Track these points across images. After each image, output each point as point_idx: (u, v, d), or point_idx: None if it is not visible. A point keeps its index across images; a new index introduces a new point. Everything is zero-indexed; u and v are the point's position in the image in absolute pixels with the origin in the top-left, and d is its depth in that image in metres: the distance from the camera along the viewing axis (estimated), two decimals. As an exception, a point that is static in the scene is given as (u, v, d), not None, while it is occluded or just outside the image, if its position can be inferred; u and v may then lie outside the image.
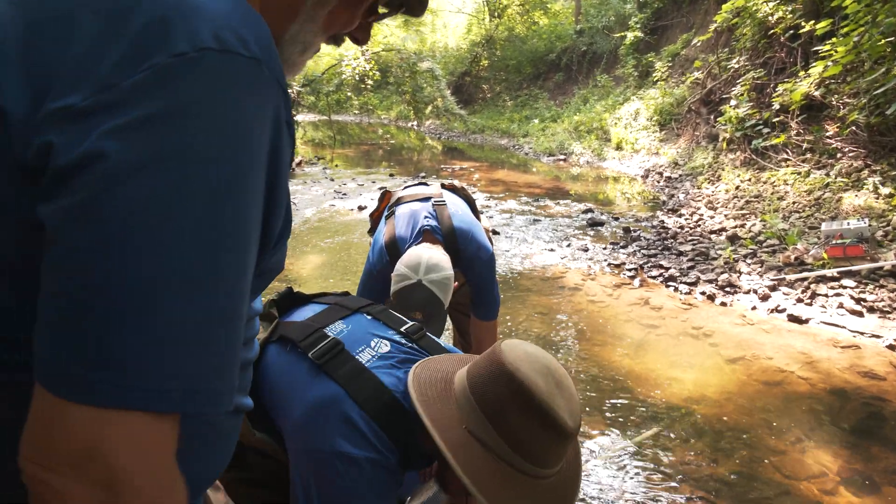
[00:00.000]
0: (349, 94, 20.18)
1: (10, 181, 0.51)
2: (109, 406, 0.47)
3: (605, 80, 16.38)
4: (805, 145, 7.09)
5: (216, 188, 0.51)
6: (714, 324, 4.13)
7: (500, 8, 24.57)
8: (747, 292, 4.59)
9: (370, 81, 17.21)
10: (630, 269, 5.27)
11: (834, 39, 6.23)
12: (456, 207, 2.33)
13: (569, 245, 6.14)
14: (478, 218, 2.51)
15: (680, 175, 9.56)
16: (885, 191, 5.52)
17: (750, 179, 7.51)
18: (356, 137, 20.51)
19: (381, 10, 0.80)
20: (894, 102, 5.58)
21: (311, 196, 8.70)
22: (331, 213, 7.66)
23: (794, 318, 4.13)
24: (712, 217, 6.82)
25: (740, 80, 8.80)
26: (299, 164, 11.74)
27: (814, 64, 6.77)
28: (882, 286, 4.23)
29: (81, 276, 0.47)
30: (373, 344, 1.26)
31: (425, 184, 2.54)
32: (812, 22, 7.05)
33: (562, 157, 13.66)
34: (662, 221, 7.01)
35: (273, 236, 0.63)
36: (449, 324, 3.04)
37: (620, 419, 2.93)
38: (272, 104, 0.56)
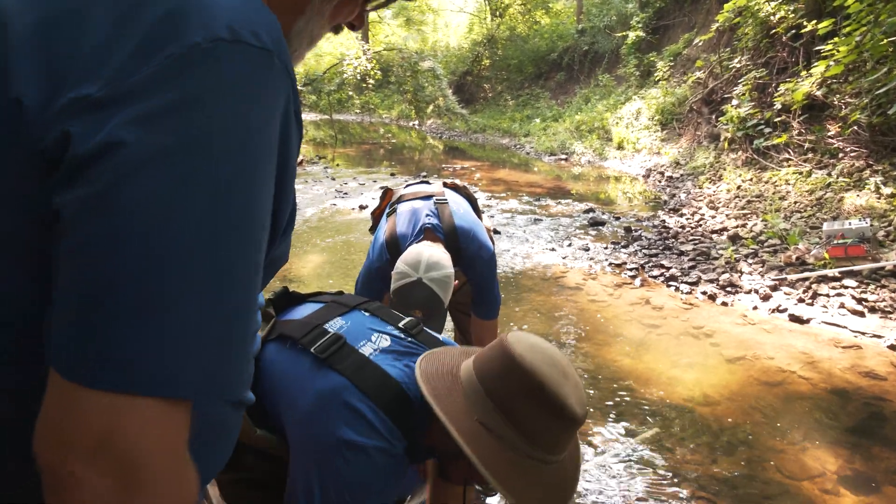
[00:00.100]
0: (350, 93, 20.21)
1: (27, 172, 0.52)
2: (124, 392, 0.48)
3: (607, 79, 16.37)
4: (807, 145, 7.09)
5: (231, 178, 0.52)
6: (715, 323, 4.13)
7: (502, 7, 24.56)
8: (748, 292, 4.59)
9: (371, 81, 17.24)
10: (631, 269, 5.27)
11: (836, 39, 6.22)
12: (458, 206, 2.33)
13: (570, 244, 6.14)
14: (479, 217, 2.51)
15: (681, 175, 9.56)
16: (886, 191, 5.52)
17: (751, 179, 7.51)
18: (357, 137, 20.51)
19: None
20: (896, 102, 5.57)
21: (313, 195, 8.71)
22: (332, 212, 7.66)
23: (795, 318, 4.12)
24: (714, 217, 6.81)
25: (742, 79, 8.80)
26: (300, 163, 11.74)
27: (816, 63, 6.76)
28: (883, 286, 4.23)
29: (98, 264, 0.48)
30: (373, 338, 1.27)
31: (427, 182, 2.54)
32: (814, 21, 7.05)
33: (563, 156, 13.66)
34: (664, 221, 7.01)
35: (281, 226, 0.64)
36: (449, 323, 3.04)
37: (621, 418, 2.93)
38: (283, 95, 0.58)
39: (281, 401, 1.19)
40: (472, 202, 2.53)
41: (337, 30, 0.82)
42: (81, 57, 0.51)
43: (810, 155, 7.00)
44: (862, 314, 4.00)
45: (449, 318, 2.92)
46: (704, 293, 4.65)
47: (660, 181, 9.77)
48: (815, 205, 6.03)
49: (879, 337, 3.77)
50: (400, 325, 1.35)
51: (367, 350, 1.23)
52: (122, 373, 0.48)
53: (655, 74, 13.34)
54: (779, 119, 7.64)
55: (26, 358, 0.55)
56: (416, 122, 22.30)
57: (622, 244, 6.08)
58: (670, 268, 5.21)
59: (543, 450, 1.07)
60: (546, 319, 4.20)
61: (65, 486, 0.48)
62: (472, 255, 2.23)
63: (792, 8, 7.99)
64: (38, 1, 0.55)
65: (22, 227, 0.53)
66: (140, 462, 0.48)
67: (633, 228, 6.71)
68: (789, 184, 6.73)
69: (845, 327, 3.94)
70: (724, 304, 4.47)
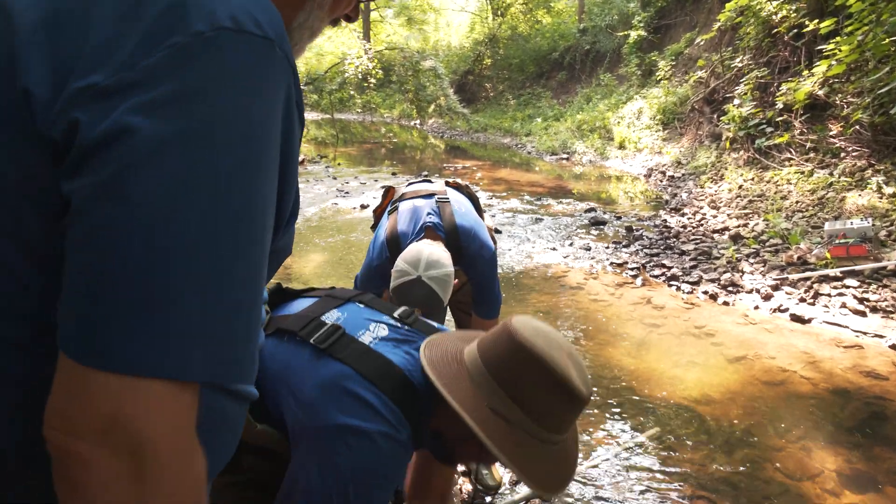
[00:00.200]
0: (352, 92, 20.22)
1: (37, 162, 0.53)
2: (133, 373, 0.49)
3: (609, 78, 16.36)
4: (808, 145, 7.08)
5: (236, 165, 0.53)
6: (716, 323, 4.13)
7: (504, 6, 24.55)
8: (750, 292, 4.59)
9: (373, 80, 17.23)
10: (632, 269, 5.26)
11: (838, 38, 6.22)
12: (459, 205, 2.32)
13: (571, 244, 6.14)
14: (481, 216, 2.51)
15: (683, 174, 9.55)
16: (888, 190, 5.51)
17: (753, 179, 7.50)
18: (359, 136, 20.51)
19: None
20: (898, 102, 5.57)
21: (314, 194, 8.71)
22: (333, 211, 7.67)
23: (796, 318, 4.12)
24: (715, 216, 6.81)
25: (744, 79, 8.79)
26: (302, 162, 11.75)
27: (817, 63, 6.75)
28: (885, 286, 4.22)
29: (106, 250, 0.49)
30: (371, 328, 1.27)
31: (429, 181, 2.54)
32: (816, 21, 7.03)
33: (564, 156, 13.65)
34: (665, 221, 7.00)
35: (285, 215, 0.66)
36: (451, 321, 3.05)
37: (622, 418, 2.93)
38: (284, 83, 0.59)
39: (281, 392, 1.19)
40: (474, 201, 2.53)
41: (335, 23, 0.84)
42: (88, 48, 0.52)
43: (812, 154, 6.99)
44: (863, 314, 4.00)
45: (450, 315, 2.92)
46: (706, 293, 4.64)
47: (661, 181, 9.76)
48: (817, 204, 6.02)
49: (881, 337, 3.77)
50: (395, 314, 1.36)
51: (366, 339, 1.24)
52: (131, 355, 0.49)
53: (657, 74, 13.33)
54: (780, 118, 7.63)
55: (37, 348, 0.56)
56: (418, 122, 22.29)
57: (623, 244, 6.07)
58: (672, 267, 5.20)
59: (551, 430, 1.11)
60: (547, 319, 4.19)
61: (75, 467, 0.49)
62: (472, 254, 2.23)
63: (794, 7, 7.98)
64: None
65: (32, 218, 0.54)
66: (148, 443, 0.49)
67: (634, 228, 6.70)
68: (791, 183, 6.73)
69: (847, 327, 3.93)
70: (726, 303, 4.47)
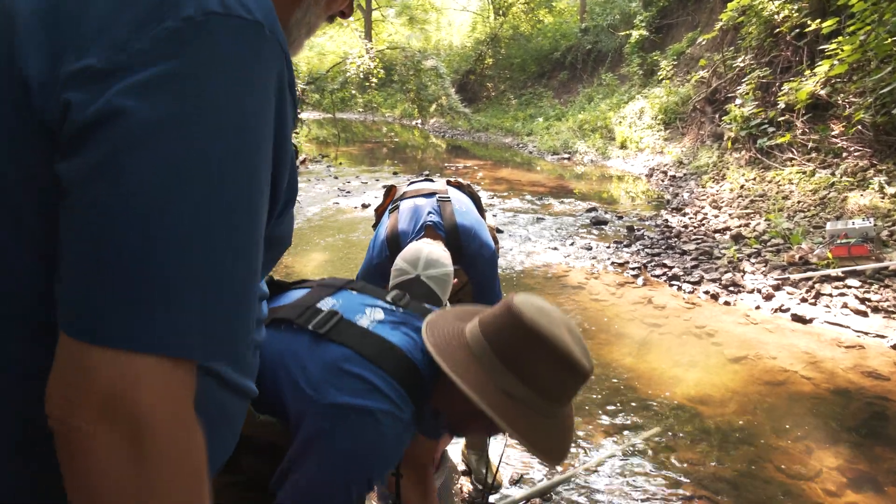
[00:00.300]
0: (353, 92, 20.19)
1: (32, 144, 0.54)
2: (130, 349, 0.50)
3: (610, 78, 16.35)
4: (810, 144, 7.07)
5: (229, 145, 0.54)
6: (717, 323, 4.12)
7: (505, 6, 24.53)
8: (751, 292, 4.58)
9: (374, 79, 17.20)
10: (633, 268, 5.26)
11: (840, 38, 6.21)
12: (460, 204, 2.32)
13: (572, 244, 6.13)
14: (483, 216, 2.51)
15: (684, 174, 9.54)
16: (890, 190, 5.50)
17: (755, 178, 7.49)
18: (360, 135, 20.52)
19: None
20: (900, 102, 5.56)
21: (315, 194, 8.71)
22: (334, 210, 7.67)
23: (797, 318, 4.11)
24: (716, 216, 6.80)
25: (746, 78, 8.78)
26: (303, 161, 11.75)
27: (819, 63, 6.74)
28: (887, 286, 4.22)
29: (101, 227, 0.50)
30: (367, 312, 1.28)
31: (431, 180, 2.54)
32: (818, 20, 7.02)
33: (566, 155, 13.64)
34: (666, 220, 7.00)
35: (279, 199, 0.66)
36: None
37: (623, 418, 2.93)
38: (276, 66, 0.60)
39: (282, 379, 1.18)
40: (476, 200, 2.53)
41: (331, 19, 0.85)
42: (82, 32, 0.54)
43: (814, 154, 6.99)
44: (865, 314, 4.00)
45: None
46: (707, 292, 4.64)
47: (663, 180, 9.75)
48: (819, 204, 6.01)
49: (882, 337, 3.76)
50: (387, 298, 1.37)
51: (363, 322, 1.25)
52: (127, 331, 0.50)
53: (659, 73, 13.31)
54: (782, 118, 7.62)
55: (36, 332, 0.56)
56: (419, 121, 22.29)
57: (625, 243, 6.07)
58: (673, 267, 5.20)
59: (554, 403, 1.17)
60: (548, 318, 4.19)
61: (76, 442, 0.50)
62: (473, 253, 2.23)
63: (796, 7, 7.96)
64: None
65: (28, 200, 0.55)
66: (146, 418, 0.50)
67: (635, 228, 6.70)
68: (793, 183, 6.72)
69: (848, 327, 3.93)
70: (727, 303, 4.46)
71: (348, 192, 8.89)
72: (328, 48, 28.10)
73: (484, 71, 24.36)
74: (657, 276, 5.08)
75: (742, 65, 9.21)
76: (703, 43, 11.87)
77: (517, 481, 2.45)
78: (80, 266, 0.51)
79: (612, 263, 5.45)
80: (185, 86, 0.52)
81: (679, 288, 4.80)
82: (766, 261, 5.05)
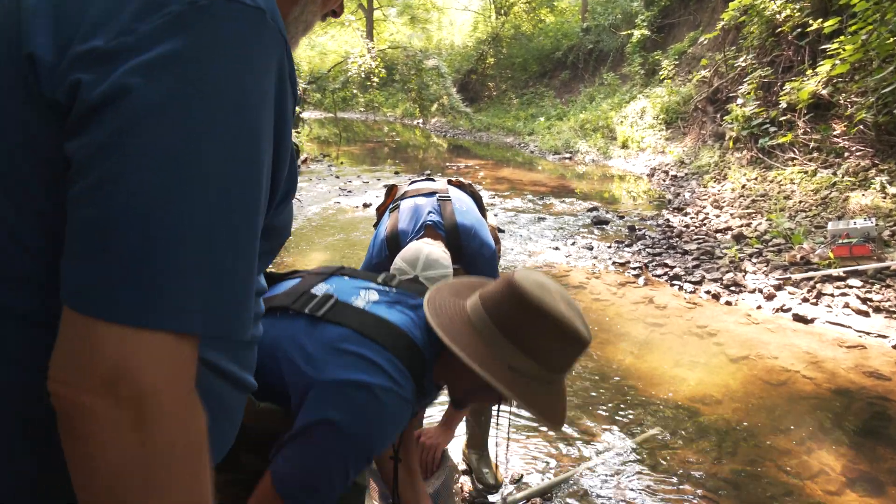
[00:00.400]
0: (355, 91, 20.21)
1: (41, 125, 0.56)
2: (135, 324, 0.51)
3: (612, 78, 16.34)
4: (812, 144, 7.06)
5: (230, 124, 0.56)
6: (719, 323, 4.12)
7: (507, 6, 24.54)
8: (752, 291, 4.58)
9: (376, 79, 17.23)
10: (635, 268, 5.26)
11: (842, 38, 6.19)
12: (461, 203, 2.32)
13: (573, 243, 6.13)
14: (484, 215, 2.50)
15: (686, 174, 9.54)
16: (892, 190, 5.49)
17: (756, 178, 7.48)
18: (362, 135, 20.52)
19: None
20: (902, 101, 5.55)
21: (317, 193, 8.72)
22: (335, 210, 7.67)
23: (799, 318, 4.11)
24: (718, 216, 6.80)
25: (747, 78, 8.77)
26: (304, 161, 11.75)
27: (821, 62, 6.73)
28: (888, 286, 4.21)
29: (107, 203, 0.51)
30: (362, 294, 1.29)
31: (432, 179, 2.54)
32: (820, 20, 7.01)
33: (567, 155, 13.64)
34: (668, 220, 6.99)
35: (279, 189, 0.68)
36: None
37: (624, 417, 2.93)
38: (276, 53, 0.61)
39: (280, 363, 1.18)
40: (477, 200, 2.53)
41: (323, 17, 0.87)
42: (89, 17, 0.55)
43: (815, 154, 6.98)
44: (866, 314, 3.99)
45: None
46: (708, 292, 4.63)
47: (664, 180, 9.74)
48: (820, 204, 6.01)
49: (884, 337, 3.76)
50: (379, 280, 1.39)
51: (359, 303, 1.26)
52: (133, 307, 0.51)
53: (660, 73, 13.30)
54: (784, 118, 7.61)
55: (44, 315, 0.57)
56: (421, 121, 22.29)
57: (626, 243, 6.06)
58: (674, 267, 5.20)
59: (556, 372, 1.21)
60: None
61: (80, 418, 0.50)
62: (473, 252, 2.22)
63: (798, 6, 7.95)
64: None
65: (35, 182, 0.57)
66: (150, 393, 0.51)
67: (636, 227, 6.69)
68: (794, 183, 6.71)
69: (850, 327, 3.92)
70: (728, 303, 4.46)
71: (349, 191, 8.90)
72: (330, 48, 28.10)
73: (485, 70, 24.36)
74: (658, 276, 5.08)
75: (744, 64, 9.20)
76: (705, 42, 11.86)
77: (517, 481, 2.45)
78: (86, 243, 0.52)
79: (614, 263, 5.45)
80: (188, 66, 0.54)
81: (680, 288, 4.80)
82: (768, 261, 5.04)
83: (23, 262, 0.57)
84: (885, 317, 3.93)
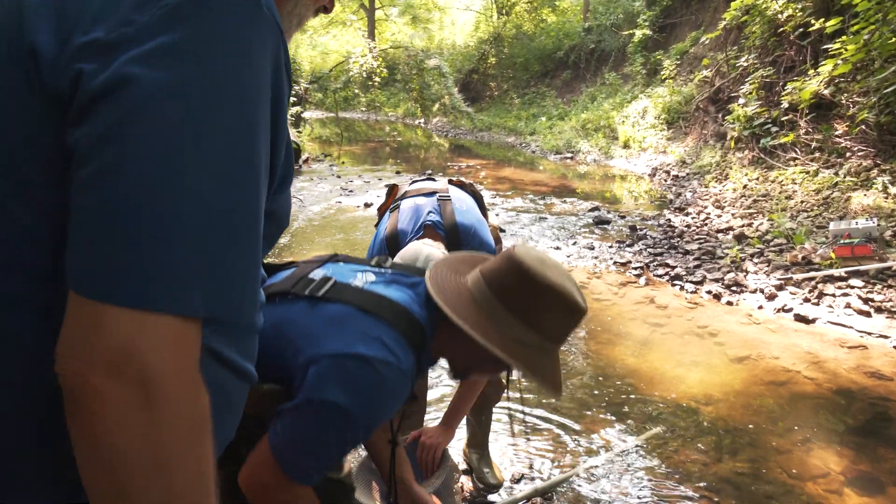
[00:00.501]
0: (356, 91, 20.19)
1: (41, 113, 0.57)
2: (139, 308, 0.52)
3: (613, 77, 16.33)
4: (814, 144, 7.05)
5: (228, 110, 0.57)
6: (720, 323, 4.12)
7: (508, 5, 24.53)
8: (754, 291, 4.57)
9: (377, 79, 17.23)
10: (636, 268, 5.25)
11: (844, 38, 6.19)
12: (461, 203, 2.32)
13: (575, 243, 6.13)
14: (485, 215, 2.50)
15: (687, 174, 9.53)
16: (894, 190, 5.48)
17: (758, 178, 7.48)
18: (363, 135, 20.53)
19: None
20: (904, 101, 5.54)
21: (318, 193, 8.72)
22: (337, 209, 7.68)
23: (800, 318, 4.11)
24: (719, 216, 6.79)
25: (749, 78, 8.76)
26: (306, 160, 11.76)
27: (823, 62, 6.72)
28: (890, 286, 4.20)
29: (111, 189, 0.52)
30: (359, 275, 1.31)
31: (433, 179, 2.54)
32: (822, 20, 7.00)
33: (569, 155, 13.63)
34: (669, 220, 6.99)
35: (276, 174, 0.69)
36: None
37: (625, 417, 2.93)
38: (272, 43, 0.63)
39: (282, 343, 1.19)
40: (478, 199, 2.53)
41: (317, 13, 0.89)
42: (90, 9, 0.57)
43: (817, 154, 6.97)
44: (868, 314, 3.98)
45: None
46: (709, 292, 4.63)
47: (665, 180, 9.74)
48: (822, 204, 6.00)
49: (886, 337, 3.75)
50: (373, 263, 1.41)
51: (357, 283, 1.27)
52: (137, 289, 0.52)
53: (662, 73, 13.29)
54: (786, 118, 7.60)
55: (51, 304, 0.57)
56: (422, 121, 22.29)
57: (627, 243, 6.06)
58: (675, 267, 5.19)
59: (557, 342, 1.27)
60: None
61: (87, 400, 0.51)
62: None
63: (800, 6, 7.94)
64: None
65: (37, 171, 0.58)
66: (156, 375, 0.52)
67: (638, 227, 6.69)
68: (796, 183, 6.70)
69: (851, 327, 3.92)
70: (729, 303, 4.45)
71: (351, 191, 8.90)
72: (331, 47, 28.13)
73: (487, 70, 24.35)
74: (659, 276, 5.08)
75: (745, 64, 9.19)
76: (707, 42, 11.85)
77: (518, 480, 2.45)
78: (90, 230, 0.53)
79: (615, 263, 5.44)
80: (187, 56, 0.55)
81: (681, 288, 4.79)
82: (769, 261, 5.04)
83: (29, 253, 0.58)
84: (887, 317, 3.93)
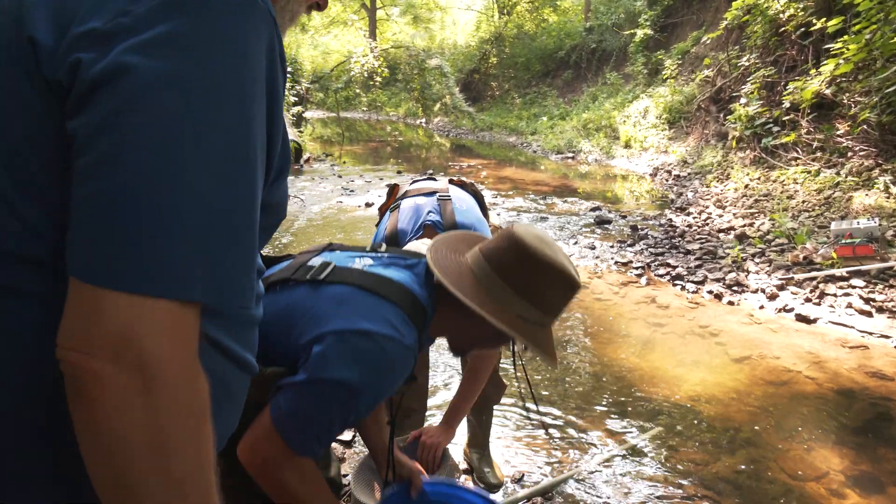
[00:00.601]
0: (358, 91, 20.22)
1: (42, 108, 0.58)
2: (140, 292, 0.53)
3: (615, 77, 16.32)
4: (815, 144, 7.04)
5: (225, 97, 0.58)
6: (721, 323, 4.11)
7: (510, 5, 24.53)
8: (755, 291, 4.57)
9: (379, 78, 17.25)
10: (637, 268, 5.25)
11: (845, 37, 6.18)
12: (461, 202, 2.32)
13: (576, 243, 6.13)
14: (486, 215, 2.50)
15: (689, 173, 9.52)
16: (895, 190, 5.48)
17: (759, 178, 7.47)
18: (364, 134, 20.53)
19: None
20: (906, 101, 5.53)
21: (319, 192, 8.73)
22: (338, 209, 7.68)
23: (801, 318, 4.10)
24: (721, 216, 6.79)
25: (750, 77, 8.75)
26: (307, 160, 11.76)
27: (825, 62, 6.72)
28: (892, 286, 4.20)
29: (111, 176, 0.53)
30: (357, 260, 1.33)
31: (433, 179, 2.54)
32: (823, 19, 7.00)
33: (570, 154, 13.63)
34: (670, 220, 6.98)
35: (273, 164, 0.70)
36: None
37: (626, 417, 2.93)
38: (266, 33, 0.63)
39: (285, 325, 1.19)
40: (479, 199, 2.53)
41: (310, 10, 0.90)
42: (87, 1, 0.58)
43: (819, 154, 6.96)
44: (869, 314, 3.98)
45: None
46: (710, 292, 4.63)
47: (667, 180, 9.73)
48: (824, 204, 5.99)
49: (887, 337, 3.75)
50: (368, 249, 1.43)
51: (357, 266, 1.29)
52: (135, 274, 0.53)
53: (663, 73, 13.28)
54: (787, 118, 7.59)
55: (50, 299, 0.58)
56: (423, 120, 22.29)
57: (628, 243, 6.06)
58: (676, 266, 5.19)
59: (554, 316, 1.32)
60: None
61: (87, 384, 0.52)
62: (474, 252, 2.22)
63: (801, 6, 7.93)
64: None
65: (42, 162, 0.58)
66: (155, 360, 0.53)
67: (639, 227, 6.69)
68: (797, 183, 6.70)
69: (852, 327, 3.91)
70: (731, 303, 4.45)
71: (352, 190, 8.90)
72: (333, 47, 28.13)
73: (488, 70, 24.35)
74: (661, 276, 5.07)
75: (747, 64, 9.18)
76: (708, 42, 11.84)
77: (518, 480, 2.45)
78: (90, 217, 0.53)
79: (616, 263, 5.44)
80: (185, 50, 0.56)
81: (683, 287, 4.79)
82: (771, 260, 5.03)
83: (32, 247, 0.59)
84: (889, 317, 3.92)
